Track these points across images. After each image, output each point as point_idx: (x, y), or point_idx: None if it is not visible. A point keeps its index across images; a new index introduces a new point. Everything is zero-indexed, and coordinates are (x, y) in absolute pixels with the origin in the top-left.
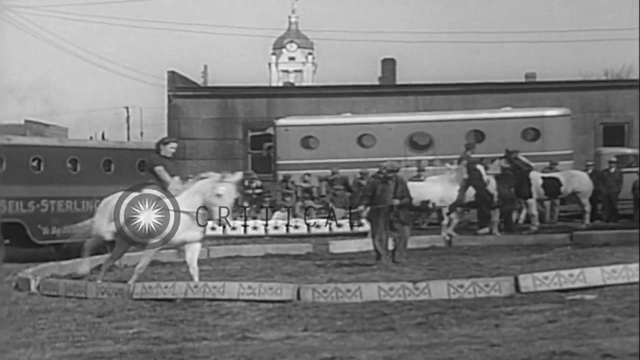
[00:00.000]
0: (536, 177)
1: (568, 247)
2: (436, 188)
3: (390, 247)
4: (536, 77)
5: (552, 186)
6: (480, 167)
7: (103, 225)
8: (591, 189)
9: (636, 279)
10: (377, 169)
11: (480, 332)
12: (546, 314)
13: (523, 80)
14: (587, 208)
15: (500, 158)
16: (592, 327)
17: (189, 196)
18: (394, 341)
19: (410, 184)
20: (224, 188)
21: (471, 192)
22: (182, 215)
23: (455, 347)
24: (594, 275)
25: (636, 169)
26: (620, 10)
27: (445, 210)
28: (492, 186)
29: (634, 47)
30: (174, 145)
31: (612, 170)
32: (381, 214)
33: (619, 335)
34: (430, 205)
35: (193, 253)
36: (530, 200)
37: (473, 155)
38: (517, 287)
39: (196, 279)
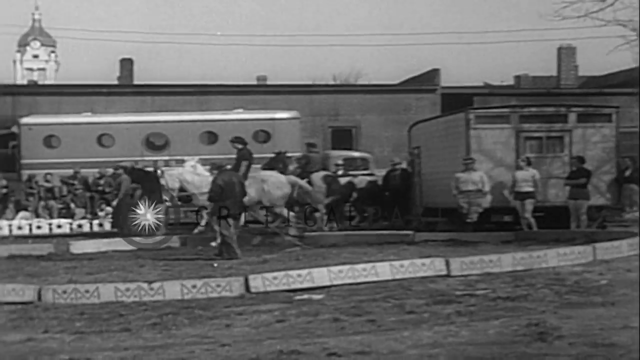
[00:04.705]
0: None
1: (297, 248)
2: None
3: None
4: (267, 80)
5: None
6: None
7: None
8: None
9: (362, 279)
10: (112, 169)
11: (212, 332)
12: (275, 314)
13: (255, 82)
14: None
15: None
16: (318, 327)
17: None
18: (129, 342)
19: None
20: None
21: None
22: None
23: (188, 347)
24: (321, 275)
25: (364, 172)
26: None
27: None
28: None
29: (360, 53)
30: None
31: (340, 173)
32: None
33: (345, 334)
34: None
35: None
36: None
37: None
38: (247, 287)
39: None
